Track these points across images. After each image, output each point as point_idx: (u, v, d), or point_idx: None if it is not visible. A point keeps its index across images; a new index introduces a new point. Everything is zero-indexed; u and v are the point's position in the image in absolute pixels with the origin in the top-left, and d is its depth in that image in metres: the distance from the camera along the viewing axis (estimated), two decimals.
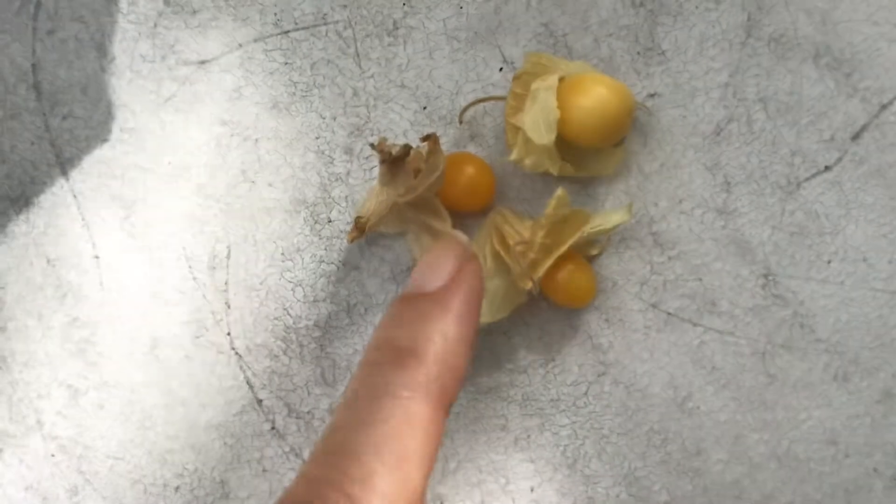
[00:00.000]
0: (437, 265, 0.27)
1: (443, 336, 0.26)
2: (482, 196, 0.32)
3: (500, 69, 0.32)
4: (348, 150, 0.33)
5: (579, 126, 0.30)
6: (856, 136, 0.31)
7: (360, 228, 0.31)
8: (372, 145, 0.29)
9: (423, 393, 0.25)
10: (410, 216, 0.31)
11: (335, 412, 0.26)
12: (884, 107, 0.31)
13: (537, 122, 0.30)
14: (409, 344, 0.26)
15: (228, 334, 0.33)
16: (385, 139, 0.29)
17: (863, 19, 0.31)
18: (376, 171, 0.32)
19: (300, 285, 0.33)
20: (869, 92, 0.31)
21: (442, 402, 0.25)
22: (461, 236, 0.29)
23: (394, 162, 0.29)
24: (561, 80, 0.30)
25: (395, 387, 0.25)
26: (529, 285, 0.30)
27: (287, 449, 0.33)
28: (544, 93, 0.30)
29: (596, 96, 0.30)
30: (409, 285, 0.28)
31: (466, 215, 0.32)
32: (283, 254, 0.33)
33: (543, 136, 0.29)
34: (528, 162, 0.30)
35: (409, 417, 0.25)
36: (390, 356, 0.26)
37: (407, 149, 0.29)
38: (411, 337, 0.26)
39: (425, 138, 0.29)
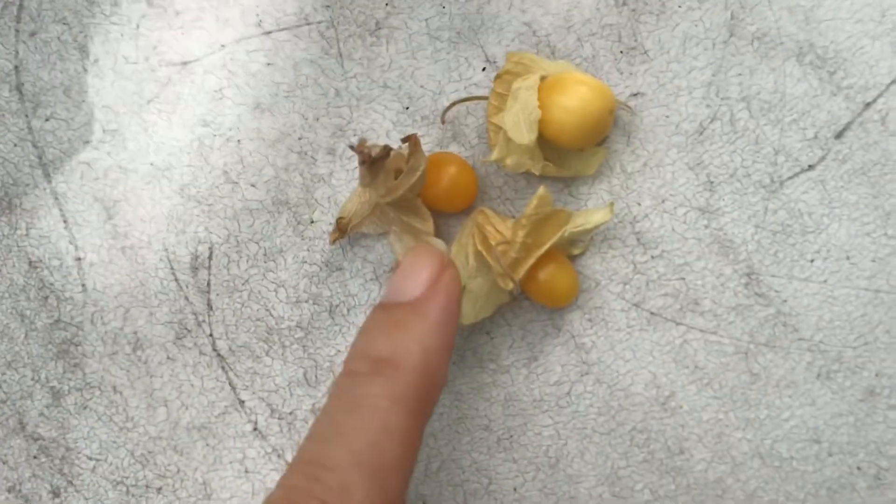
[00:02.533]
0: (413, 273, 0.27)
1: (421, 346, 0.26)
2: (464, 196, 0.31)
3: (483, 69, 0.32)
4: (331, 151, 0.32)
5: (560, 125, 0.30)
6: (839, 135, 0.31)
7: (342, 229, 0.31)
8: (351, 147, 0.29)
9: (402, 403, 0.25)
10: (392, 217, 0.31)
11: (315, 421, 0.26)
12: (867, 105, 0.31)
13: (518, 121, 0.29)
14: (387, 354, 0.26)
15: (210, 335, 0.33)
16: (365, 140, 0.29)
17: (846, 17, 0.31)
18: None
19: (282, 286, 0.33)
20: (852, 90, 0.31)
21: (421, 411, 0.25)
22: (438, 243, 0.29)
23: (373, 163, 0.29)
24: (542, 79, 0.30)
25: (374, 397, 0.25)
26: (511, 285, 0.30)
27: (269, 450, 0.33)
28: (525, 92, 0.30)
29: (577, 95, 0.29)
30: (387, 294, 0.27)
31: (449, 215, 0.32)
32: (265, 255, 0.33)
33: (524, 135, 0.29)
34: (509, 162, 0.30)
35: (387, 428, 0.24)
36: (369, 366, 0.26)
37: (386, 150, 0.29)
38: (390, 347, 0.26)
39: (406, 139, 0.29)
